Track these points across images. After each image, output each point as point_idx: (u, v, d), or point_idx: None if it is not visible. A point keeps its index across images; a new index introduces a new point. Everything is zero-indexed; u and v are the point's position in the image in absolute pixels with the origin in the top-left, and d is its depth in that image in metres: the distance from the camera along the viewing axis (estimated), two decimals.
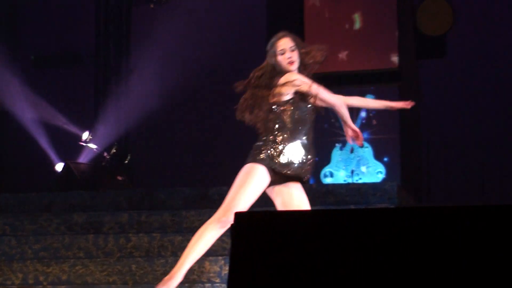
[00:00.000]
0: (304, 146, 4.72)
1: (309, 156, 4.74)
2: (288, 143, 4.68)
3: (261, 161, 4.62)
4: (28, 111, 11.17)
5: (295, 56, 4.80)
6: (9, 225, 6.71)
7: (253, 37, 10.55)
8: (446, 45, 10.53)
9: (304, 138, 4.73)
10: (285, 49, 4.79)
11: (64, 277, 5.99)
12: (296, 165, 4.68)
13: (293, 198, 4.73)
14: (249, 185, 4.60)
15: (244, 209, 4.56)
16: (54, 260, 6.07)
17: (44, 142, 11.16)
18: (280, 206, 4.75)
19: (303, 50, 4.85)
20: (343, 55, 10.73)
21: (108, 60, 11.54)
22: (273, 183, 4.69)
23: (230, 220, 4.27)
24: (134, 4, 11.64)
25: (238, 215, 2.79)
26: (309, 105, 4.79)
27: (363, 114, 10.60)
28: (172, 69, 10.84)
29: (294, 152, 4.68)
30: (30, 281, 6.01)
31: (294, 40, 4.85)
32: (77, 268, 6.00)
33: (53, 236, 6.43)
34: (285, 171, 4.66)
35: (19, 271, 6.05)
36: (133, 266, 5.95)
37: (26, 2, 12.04)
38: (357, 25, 10.82)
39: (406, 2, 10.63)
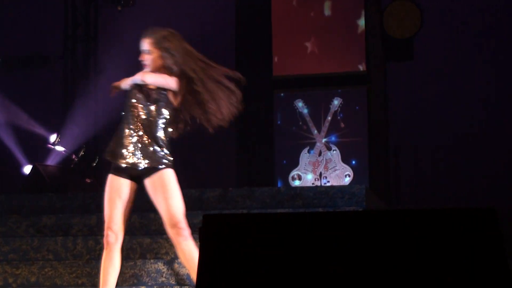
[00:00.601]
0: None
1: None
2: None
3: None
4: None
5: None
6: None
7: (222, 37, 10.57)
8: (414, 48, 10.61)
9: None
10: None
11: (33, 279, 5.99)
12: None
13: None
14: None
15: None
16: (23, 262, 6.06)
17: (12, 144, 11.10)
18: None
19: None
20: (311, 47, 10.73)
21: (76, 62, 11.51)
22: None
23: None
24: (102, 6, 11.63)
25: (206, 218, 2.81)
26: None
27: (329, 118, 10.64)
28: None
29: None
30: (0, 283, 6.01)
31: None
32: (46, 270, 6.00)
33: (22, 238, 6.42)
34: None
35: None
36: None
37: None
38: (326, 12, 10.84)
39: (373, 5, 10.69)
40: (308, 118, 10.56)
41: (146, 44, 4.96)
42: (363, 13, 10.65)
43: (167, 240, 5.51)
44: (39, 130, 10.81)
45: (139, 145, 4.78)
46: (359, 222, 2.73)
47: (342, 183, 10.28)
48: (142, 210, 6.72)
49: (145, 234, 6.40)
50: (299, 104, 10.61)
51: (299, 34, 10.79)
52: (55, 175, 9.25)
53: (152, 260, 5.96)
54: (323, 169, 10.60)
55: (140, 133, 4.79)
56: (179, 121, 4.98)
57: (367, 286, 2.62)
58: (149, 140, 4.78)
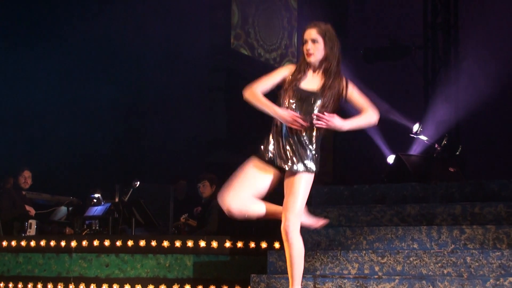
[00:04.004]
0: None
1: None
2: None
3: None
4: None
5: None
6: (344, 216, 6.92)
7: None
8: None
9: None
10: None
11: (398, 268, 6.04)
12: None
13: None
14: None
15: None
16: (388, 251, 6.13)
17: (375, 135, 11.36)
18: None
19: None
20: None
21: (436, 50, 11.46)
22: None
23: None
24: None
25: None
26: None
27: None
28: (504, 57, 10.47)
29: None
30: (366, 271, 6.13)
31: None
32: (411, 259, 6.01)
33: (387, 227, 6.50)
34: None
35: (354, 261, 6.20)
36: (468, 258, 5.83)
37: None
38: None
39: None
40: None
41: (313, 33, 4.91)
42: None
43: None
44: (401, 120, 10.92)
45: None
46: None
47: None
48: (508, 200, 6.49)
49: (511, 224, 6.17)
50: None
51: None
52: (418, 164, 9.24)
53: None
54: None
55: None
56: None
57: None
58: None
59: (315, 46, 4.91)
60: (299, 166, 4.91)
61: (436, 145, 9.76)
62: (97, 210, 8.92)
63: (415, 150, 10.35)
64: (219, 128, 12.62)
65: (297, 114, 4.85)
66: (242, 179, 4.97)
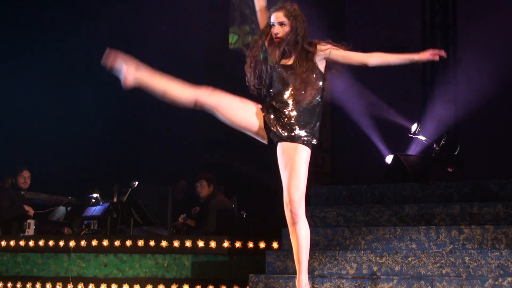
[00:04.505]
0: None
1: None
2: None
3: None
4: (358, 105, 11.42)
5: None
6: (342, 216, 6.92)
7: None
8: None
9: None
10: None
11: (397, 268, 6.04)
12: None
13: None
14: None
15: None
16: (386, 251, 6.13)
17: (373, 135, 11.35)
18: None
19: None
20: None
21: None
22: None
23: None
24: None
25: None
26: None
27: None
28: (502, 57, 10.48)
29: None
30: (364, 271, 6.14)
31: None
32: (409, 259, 6.02)
33: (385, 227, 6.50)
34: None
35: (353, 261, 6.20)
36: (466, 259, 5.84)
37: None
38: None
39: None
40: None
41: (280, 16, 4.97)
42: None
43: None
44: (400, 120, 10.92)
45: None
46: None
47: None
48: (507, 200, 6.50)
49: (511, 224, 6.17)
50: None
51: None
52: (416, 164, 9.25)
53: None
54: None
55: None
56: None
57: None
58: None
59: (283, 29, 4.97)
60: (301, 132, 4.89)
61: (435, 145, 9.77)
62: (95, 210, 8.93)
63: (413, 150, 10.35)
64: (219, 128, 12.63)
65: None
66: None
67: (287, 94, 4.93)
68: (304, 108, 4.90)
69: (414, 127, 9.96)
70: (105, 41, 11.73)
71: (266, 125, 4.94)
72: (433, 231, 6.27)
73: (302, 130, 4.88)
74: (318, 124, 4.96)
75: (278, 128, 4.91)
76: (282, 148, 4.90)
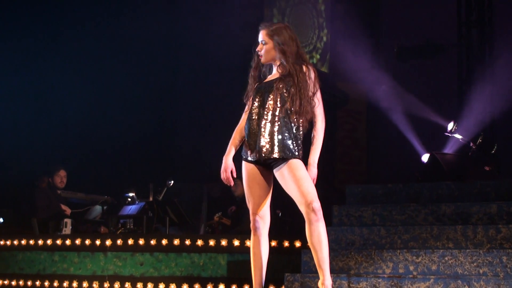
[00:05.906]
0: None
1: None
2: None
3: None
4: (394, 103, 11.38)
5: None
6: (378, 215, 6.89)
7: None
8: None
9: None
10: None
11: (433, 267, 6.00)
12: None
13: None
14: None
15: None
16: (423, 250, 6.10)
17: (409, 133, 11.30)
18: None
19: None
20: None
21: (471, 48, 11.37)
22: None
23: None
24: None
25: None
26: None
27: None
28: None
29: None
30: (400, 271, 6.11)
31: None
32: (446, 258, 5.98)
33: (422, 226, 6.47)
34: None
35: (389, 260, 6.17)
36: (504, 258, 5.78)
37: None
38: None
39: None
40: None
41: (262, 35, 5.05)
42: None
43: None
44: (436, 118, 10.85)
45: None
46: None
47: None
48: None
49: None
50: None
51: None
52: (453, 163, 9.18)
53: None
54: None
55: None
56: None
57: None
58: None
59: (264, 48, 5.05)
60: (286, 152, 4.92)
61: (471, 144, 9.69)
62: (131, 209, 8.98)
63: (450, 148, 10.28)
64: None
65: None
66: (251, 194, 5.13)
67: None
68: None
69: (450, 125, 9.89)
70: (143, 44, 11.86)
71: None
72: (470, 230, 6.22)
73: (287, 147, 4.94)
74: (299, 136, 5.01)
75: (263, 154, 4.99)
76: (278, 173, 5.01)
